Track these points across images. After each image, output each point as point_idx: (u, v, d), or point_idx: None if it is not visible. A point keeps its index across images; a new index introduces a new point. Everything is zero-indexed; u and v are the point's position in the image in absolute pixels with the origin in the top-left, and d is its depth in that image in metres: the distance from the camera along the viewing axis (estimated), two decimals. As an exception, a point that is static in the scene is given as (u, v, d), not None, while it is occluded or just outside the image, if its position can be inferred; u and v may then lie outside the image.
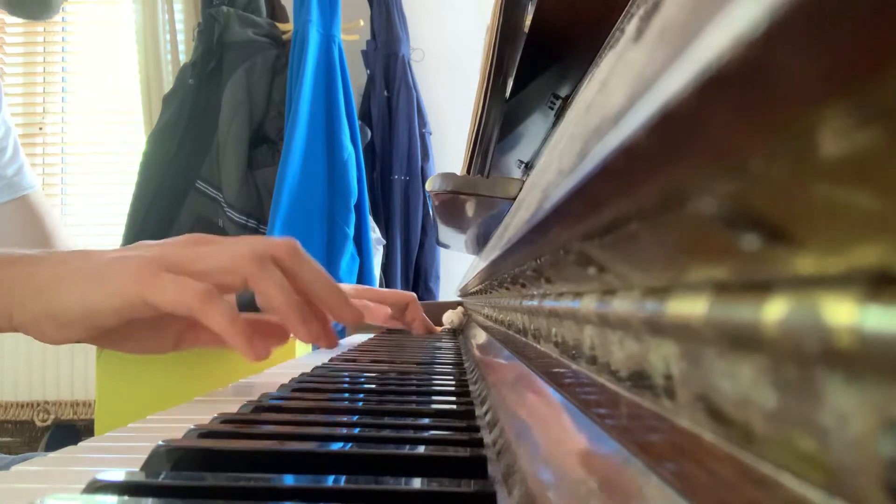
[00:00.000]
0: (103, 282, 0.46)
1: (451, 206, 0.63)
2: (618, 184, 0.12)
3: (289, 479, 0.26)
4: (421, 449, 0.28)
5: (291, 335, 0.53)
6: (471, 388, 0.47)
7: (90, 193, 2.50)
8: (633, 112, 0.10)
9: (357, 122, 1.92)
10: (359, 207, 1.88)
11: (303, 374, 0.54)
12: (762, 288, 0.09)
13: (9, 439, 2.27)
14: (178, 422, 0.39)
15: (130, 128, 2.40)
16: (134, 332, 0.51)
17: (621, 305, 0.15)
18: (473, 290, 0.70)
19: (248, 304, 0.65)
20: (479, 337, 0.70)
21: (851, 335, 0.07)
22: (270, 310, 0.49)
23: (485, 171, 0.59)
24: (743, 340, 0.10)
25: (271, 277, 0.48)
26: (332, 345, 0.52)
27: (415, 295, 0.97)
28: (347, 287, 0.94)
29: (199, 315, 0.45)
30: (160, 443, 0.28)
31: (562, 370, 0.24)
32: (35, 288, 0.47)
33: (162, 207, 1.92)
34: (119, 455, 0.33)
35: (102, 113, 2.52)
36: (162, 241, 0.51)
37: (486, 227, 0.65)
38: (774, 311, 0.09)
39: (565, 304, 0.22)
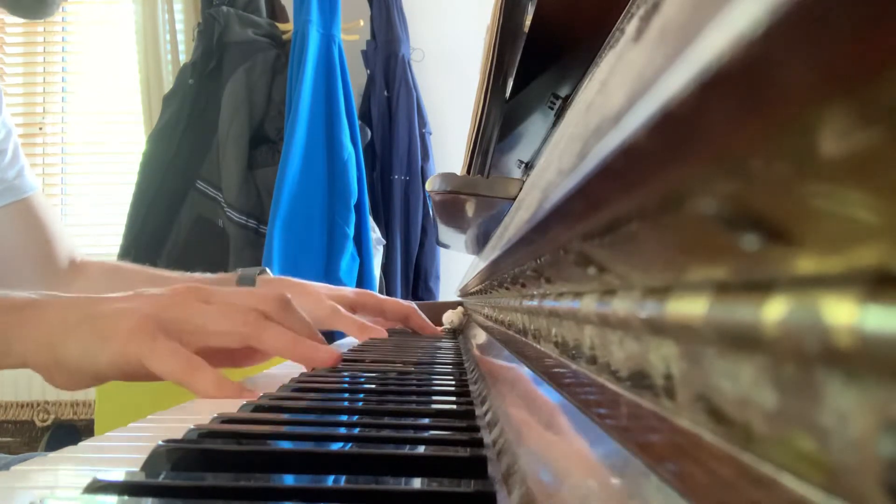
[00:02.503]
0: (105, 336, 0.49)
1: (451, 206, 0.63)
2: (618, 184, 0.12)
3: (289, 480, 0.26)
4: (421, 449, 0.28)
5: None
6: (471, 388, 0.47)
7: (90, 193, 2.50)
8: (633, 112, 0.10)
9: (357, 122, 1.92)
10: (359, 207, 1.88)
11: (303, 374, 0.54)
12: (762, 288, 0.09)
13: (9, 439, 2.27)
14: (178, 422, 0.39)
15: (130, 128, 2.40)
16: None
17: (621, 305, 0.15)
18: (473, 290, 0.70)
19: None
20: (479, 337, 0.70)
21: (851, 335, 0.07)
22: (278, 355, 0.54)
23: (485, 171, 0.59)
24: (743, 340, 0.10)
25: (269, 333, 0.52)
26: (336, 363, 0.56)
27: (414, 306, 0.97)
28: (349, 291, 0.94)
29: (187, 384, 0.49)
30: (160, 443, 0.28)
31: (562, 370, 0.24)
32: (44, 337, 0.50)
33: (162, 207, 1.92)
34: (119, 455, 0.33)
35: (102, 113, 2.52)
36: (161, 292, 0.54)
37: (486, 227, 0.65)
38: (774, 311, 0.09)
39: (565, 304, 0.22)
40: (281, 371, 0.68)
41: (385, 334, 0.84)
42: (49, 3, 0.87)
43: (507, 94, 0.55)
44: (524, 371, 0.34)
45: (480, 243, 0.76)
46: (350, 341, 0.98)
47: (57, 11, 0.90)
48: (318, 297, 0.81)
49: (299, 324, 0.56)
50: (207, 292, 0.54)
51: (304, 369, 0.58)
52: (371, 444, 0.30)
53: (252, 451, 0.28)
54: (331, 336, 1.39)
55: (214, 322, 0.51)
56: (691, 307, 0.11)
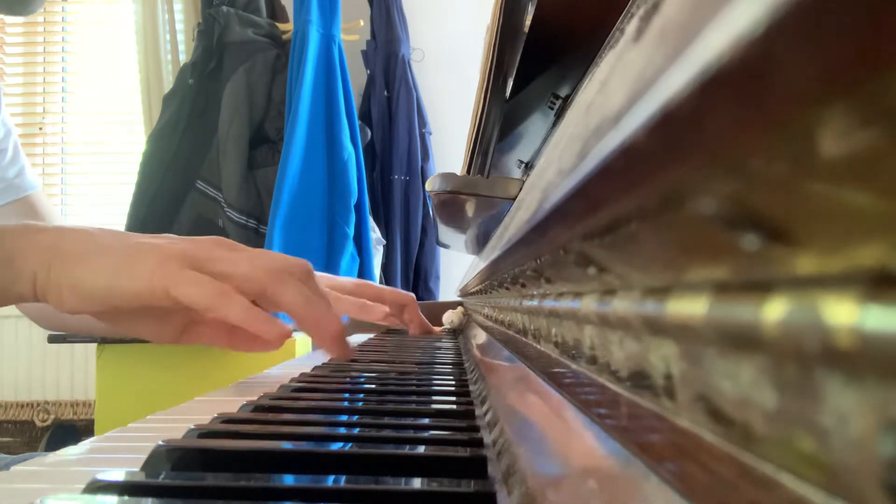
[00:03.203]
0: (130, 264, 0.49)
1: (451, 206, 0.63)
2: (618, 184, 0.12)
3: (289, 479, 0.26)
4: (421, 449, 0.28)
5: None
6: (471, 388, 0.47)
7: (90, 193, 2.50)
8: (633, 112, 0.10)
9: (357, 122, 1.92)
10: (359, 207, 1.88)
11: (303, 374, 0.54)
12: (762, 288, 0.09)
13: (9, 439, 2.27)
14: (178, 422, 0.39)
15: (130, 128, 2.40)
16: (144, 317, 0.54)
17: (621, 305, 0.15)
18: (473, 290, 0.70)
19: None
20: (479, 337, 0.70)
21: (851, 335, 0.07)
22: (289, 314, 0.53)
23: (485, 171, 0.59)
24: (743, 340, 0.10)
25: (289, 286, 0.52)
26: (345, 356, 0.55)
27: (414, 296, 0.97)
28: (349, 281, 0.94)
29: (216, 310, 0.49)
30: (160, 443, 0.28)
31: (562, 370, 0.24)
32: (63, 256, 0.50)
33: (162, 207, 1.92)
34: (119, 455, 0.33)
35: (102, 113, 2.52)
36: (190, 237, 0.54)
37: (486, 227, 0.65)
38: (774, 311, 0.09)
39: (565, 304, 0.22)
40: (281, 371, 0.68)
41: (385, 310, 0.85)
42: (30, 1, 0.86)
43: (507, 94, 0.55)
44: (524, 371, 0.34)
45: (480, 243, 0.76)
46: (349, 341, 0.98)
47: (39, 10, 0.89)
48: None
49: (318, 292, 0.55)
50: (234, 244, 0.55)
51: (304, 369, 0.58)
52: (371, 444, 0.30)
53: (252, 451, 0.28)
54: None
55: (240, 265, 0.51)
56: (691, 307, 0.11)
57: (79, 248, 0.50)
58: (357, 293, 0.91)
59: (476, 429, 0.33)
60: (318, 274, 0.91)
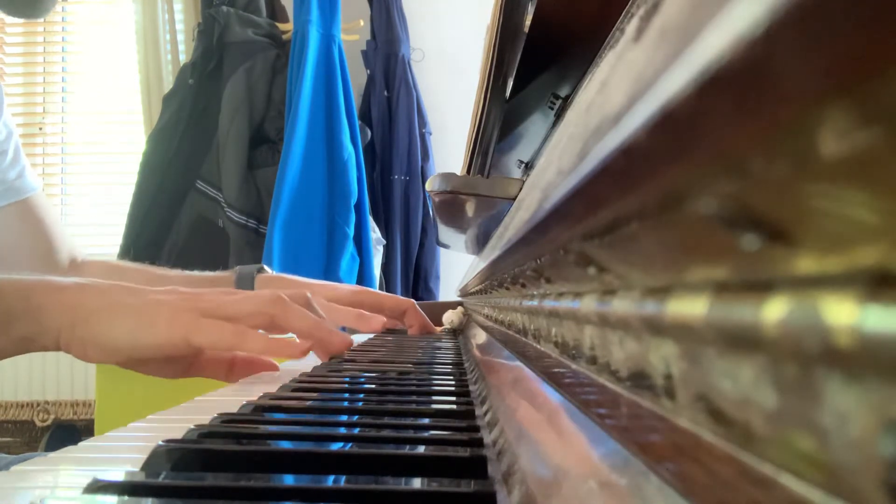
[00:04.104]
0: (151, 320, 0.55)
1: (451, 206, 0.63)
2: (618, 184, 0.12)
3: (289, 480, 0.26)
4: (421, 449, 0.28)
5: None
6: (471, 388, 0.47)
7: (90, 193, 2.50)
8: (633, 112, 0.10)
9: (357, 122, 1.92)
10: (359, 207, 1.88)
11: (303, 374, 0.54)
12: (762, 288, 0.09)
13: (9, 439, 2.27)
14: (178, 422, 0.39)
15: (130, 128, 2.40)
16: (157, 362, 0.60)
17: (621, 305, 0.15)
18: (473, 290, 0.70)
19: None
20: (479, 337, 0.70)
21: (851, 335, 0.07)
22: (299, 336, 0.61)
23: (485, 171, 0.59)
24: (743, 340, 0.10)
25: (293, 312, 0.59)
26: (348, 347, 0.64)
27: (413, 302, 0.97)
28: (347, 289, 0.94)
29: (239, 347, 0.56)
30: (160, 443, 0.28)
31: (562, 370, 0.24)
32: (84, 315, 0.55)
33: (162, 207, 1.92)
34: (119, 455, 0.33)
35: (102, 113, 2.52)
36: (193, 290, 0.62)
37: (486, 227, 0.65)
38: (774, 311, 0.09)
39: (565, 304, 0.22)
40: (281, 371, 0.68)
41: (383, 321, 0.87)
42: (41, 3, 0.87)
43: (507, 94, 0.55)
44: (524, 371, 0.34)
45: (480, 243, 0.76)
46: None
47: (52, 10, 0.91)
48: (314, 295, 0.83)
49: (318, 312, 0.62)
50: (235, 290, 0.63)
51: (305, 369, 0.58)
52: (371, 444, 0.30)
53: (252, 451, 0.28)
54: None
55: (244, 305, 0.58)
56: (691, 307, 0.11)
57: (98, 305, 0.56)
58: (356, 301, 0.91)
59: (476, 429, 0.33)
60: (318, 283, 0.92)
